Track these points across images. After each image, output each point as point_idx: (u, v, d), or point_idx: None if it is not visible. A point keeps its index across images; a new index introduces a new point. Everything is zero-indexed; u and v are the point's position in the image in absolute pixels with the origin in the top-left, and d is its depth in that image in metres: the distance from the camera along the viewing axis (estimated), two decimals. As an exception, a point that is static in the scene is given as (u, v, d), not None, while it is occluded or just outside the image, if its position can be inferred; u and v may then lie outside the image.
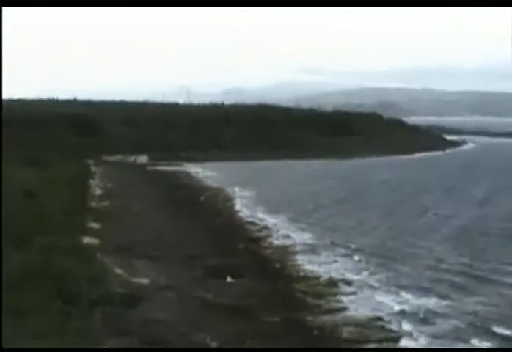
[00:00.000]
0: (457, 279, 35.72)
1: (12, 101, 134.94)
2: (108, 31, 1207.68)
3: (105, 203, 58.39)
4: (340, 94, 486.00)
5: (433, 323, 28.35)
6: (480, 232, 49.73)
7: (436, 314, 29.48)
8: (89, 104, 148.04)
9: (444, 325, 28.16)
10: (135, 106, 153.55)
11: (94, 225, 45.79)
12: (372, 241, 45.74)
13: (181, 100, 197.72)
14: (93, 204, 56.97)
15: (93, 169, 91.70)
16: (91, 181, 76.51)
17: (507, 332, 27.24)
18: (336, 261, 40.18)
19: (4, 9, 34.31)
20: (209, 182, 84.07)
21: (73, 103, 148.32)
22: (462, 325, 27.99)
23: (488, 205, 64.67)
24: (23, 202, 45.92)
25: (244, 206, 62.97)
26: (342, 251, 42.86)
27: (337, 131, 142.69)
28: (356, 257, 40.81)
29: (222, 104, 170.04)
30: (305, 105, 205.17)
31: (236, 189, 75.97)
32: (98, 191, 67.52)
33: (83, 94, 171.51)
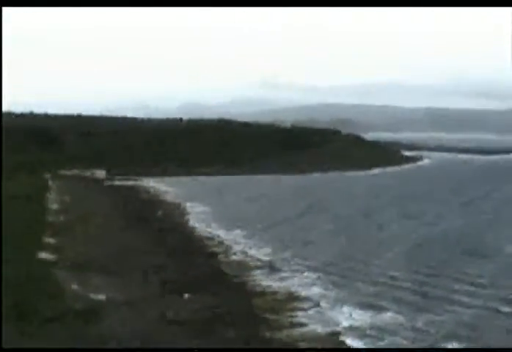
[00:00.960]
0: (409, 297, 36.29)
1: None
2: (63, 38, 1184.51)
3: (63, 218, 58.07)
4: (300, 110, 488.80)
5: (382, 339, 28.95)
6: (433, 249, 50.40)
7: (386, 330, 30.06)
8: (45, 117, 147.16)
9: (393, 341, 28.74)
10: (92, 120, 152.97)
11: (51, 240, 45.59)
12: (328, 258, 46.17)
13: (140, 114, 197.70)
14: (50, 218, 56.64)
15: (50, 183, 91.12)
16: (48, 195, 76.07)
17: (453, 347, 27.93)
18: (293, 277, 40.55)
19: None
20: (166, 197, 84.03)
21: (29, 116, 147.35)
22: (410, 342, 28.57)
23: (440, 222, 65.32)
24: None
25: (201, 221, 63.15)
26: (299, 267, 43.25)
27: (295, 147, 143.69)
28: (312, 274, 41.23)
29: (181, 119, 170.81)
30: (265, 120, 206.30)
31: (193, 204, 76.15)
32: (55, 206, 67.07)
33: (38, 106, 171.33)
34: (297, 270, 42.32)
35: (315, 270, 42.27)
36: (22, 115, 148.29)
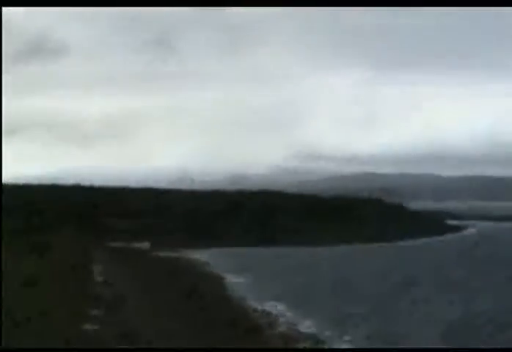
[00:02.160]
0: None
1: (14, 186, 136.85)
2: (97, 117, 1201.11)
3: (107, 290, 58.25)
4: (340, 180, 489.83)
5: None
6: (473, 331, 47.49)
7: None
8: (90, 190, 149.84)
9: None
10: (137, 193, 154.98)
11: (95, 312, 45.71)
12: (368, 332, 45.55)
13: (184, 186, 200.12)
14: (94, 291, 56.85)
15: (95, 255, 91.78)
16: (93, 267, 76.56)
17: None
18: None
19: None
20: (210, 269, 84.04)
21: (75, 189, 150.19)
22: None
23: (484, 298, 61.50)
24: (23, 291, 45.98)
25: (246, 293, 62.91)
26: (340, 340, 42.68)
27: (335, 217, 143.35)
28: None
29: (224, 191, 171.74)
30: (305, 191, 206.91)
31: (236, 276, 76.12)
32: (99, 278, 67.44)
33: (82, 177, 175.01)
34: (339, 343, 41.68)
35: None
36: (67, 187, 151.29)
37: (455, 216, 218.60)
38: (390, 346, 40.30)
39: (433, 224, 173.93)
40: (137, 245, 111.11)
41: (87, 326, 39.95)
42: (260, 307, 55.60)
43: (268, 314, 52.33)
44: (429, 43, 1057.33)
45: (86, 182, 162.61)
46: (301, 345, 41.16)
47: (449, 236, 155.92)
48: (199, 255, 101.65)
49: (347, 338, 43.66)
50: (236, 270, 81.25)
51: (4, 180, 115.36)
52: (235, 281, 72.60)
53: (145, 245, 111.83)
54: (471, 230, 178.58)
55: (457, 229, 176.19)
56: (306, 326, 47.61)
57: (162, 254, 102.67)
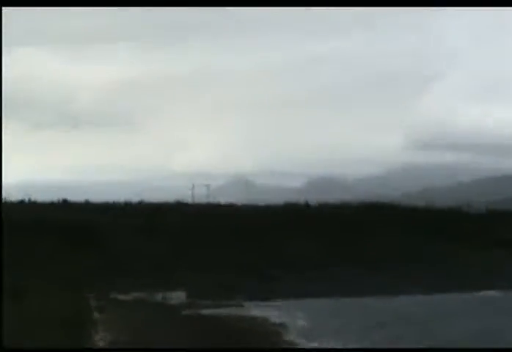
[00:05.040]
0: None
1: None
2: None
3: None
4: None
5: None
6: None
7: None
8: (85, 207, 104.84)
9: None
10: (155, 208, 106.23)
11: None
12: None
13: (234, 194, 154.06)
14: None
15: (96, 313, 56.14)
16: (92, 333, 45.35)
17: None
18: None
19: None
20: (281, 335, 51.44)
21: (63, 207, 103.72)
22: None
23: None
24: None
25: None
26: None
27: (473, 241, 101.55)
28: None
29: (307, 203, 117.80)
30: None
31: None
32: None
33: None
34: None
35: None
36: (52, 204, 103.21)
37: None
38: None
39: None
40: (164, 295, 73.27)
41: None
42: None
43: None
44: None
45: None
46: None
47: None
48: (267, 311, 64.95)
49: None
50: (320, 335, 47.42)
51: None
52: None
53: (178, 295, 74.29)
54: None
55: None
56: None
57: (208, 311, 65.05)
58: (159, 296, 71.86)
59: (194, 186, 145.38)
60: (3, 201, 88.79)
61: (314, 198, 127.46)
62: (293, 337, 50.69)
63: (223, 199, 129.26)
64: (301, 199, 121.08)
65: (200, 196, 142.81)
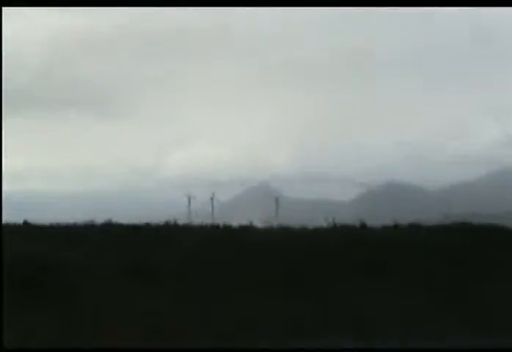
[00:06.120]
0: None
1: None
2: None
3: None
4: None
5: None
6: None
7: None
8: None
9: None
10: (151, 231, 75.88)
11: None
12: None
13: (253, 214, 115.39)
14: None
15: None
16: None
17: None
18: None
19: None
20: None
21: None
22: None
23: None
24: None
25: None
26: None
27: None
28: None
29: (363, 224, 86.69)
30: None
31: None
32: None
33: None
34: None
35: None
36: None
37: None
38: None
39: None
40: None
41: None
42: None
43: None
44: None
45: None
46: None
47: None
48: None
49: None
50: None
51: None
52: None
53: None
54: None
55: None
56: None
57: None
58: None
59: (190, 199, 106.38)
60: None
61: (370, 217, 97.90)
62: None
63: (236, 218, 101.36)
64: (352, 217, 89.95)
65: (203, 212, 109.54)
